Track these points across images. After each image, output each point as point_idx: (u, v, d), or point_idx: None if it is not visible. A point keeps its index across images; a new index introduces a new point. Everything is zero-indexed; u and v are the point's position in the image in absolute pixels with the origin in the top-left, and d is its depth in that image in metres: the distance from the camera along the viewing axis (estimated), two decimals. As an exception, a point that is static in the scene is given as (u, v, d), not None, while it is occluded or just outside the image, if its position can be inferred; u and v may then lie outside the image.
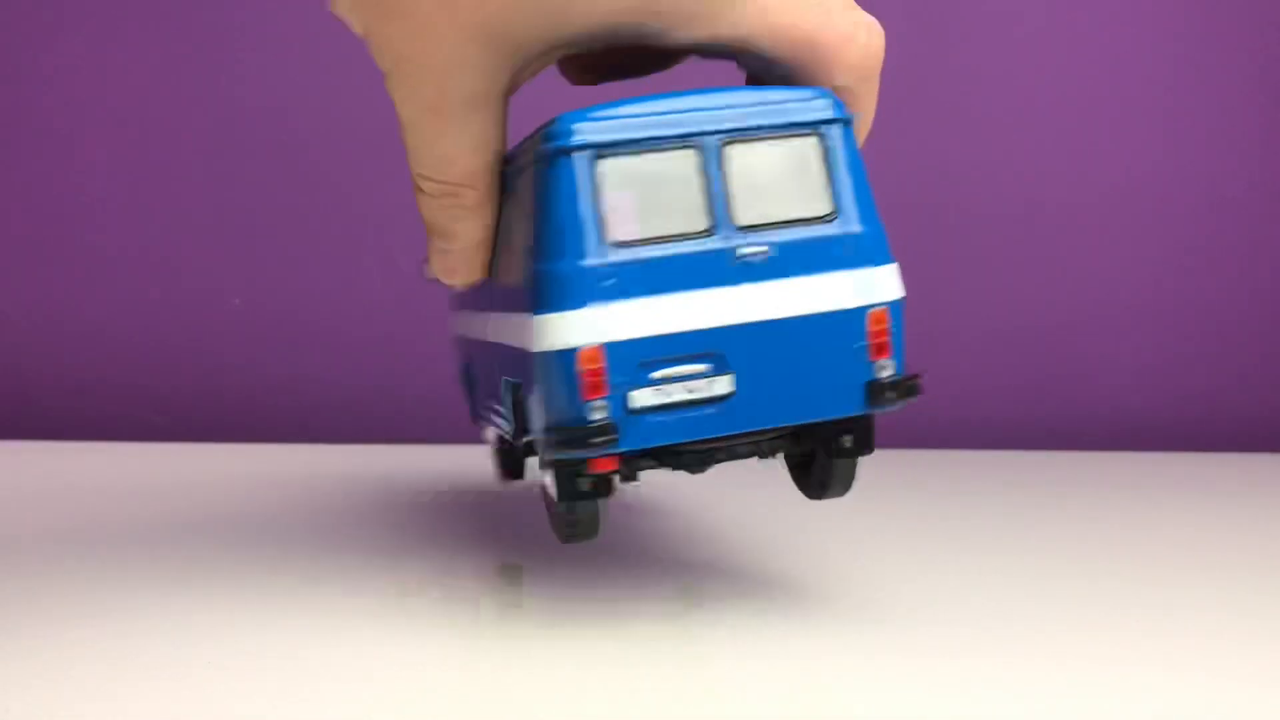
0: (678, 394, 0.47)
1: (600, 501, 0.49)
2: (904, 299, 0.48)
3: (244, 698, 0.36)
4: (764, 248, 0.47)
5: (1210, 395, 1.09)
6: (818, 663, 0.42)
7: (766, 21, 0.48)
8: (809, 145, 0.48)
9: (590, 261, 0.47)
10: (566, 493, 0.48)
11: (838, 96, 0.49)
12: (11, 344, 1.07)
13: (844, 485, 0.51)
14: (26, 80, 1.06)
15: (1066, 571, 0.55)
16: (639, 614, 0.48)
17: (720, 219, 0.48)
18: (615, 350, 0.47)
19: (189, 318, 1.09)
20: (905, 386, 0.48)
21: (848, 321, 0.48)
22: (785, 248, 0.47)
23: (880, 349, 0.48)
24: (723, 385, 0.47)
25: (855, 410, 0.48)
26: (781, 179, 0.48)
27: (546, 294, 0.48)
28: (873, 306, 0.47)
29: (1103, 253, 1.09)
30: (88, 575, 0.50)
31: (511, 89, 0.49)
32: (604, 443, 0.46)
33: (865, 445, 0.50)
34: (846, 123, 0.48)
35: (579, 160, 0.47)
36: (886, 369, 0.48)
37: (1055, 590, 0.52)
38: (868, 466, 0.82)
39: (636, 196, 0.48)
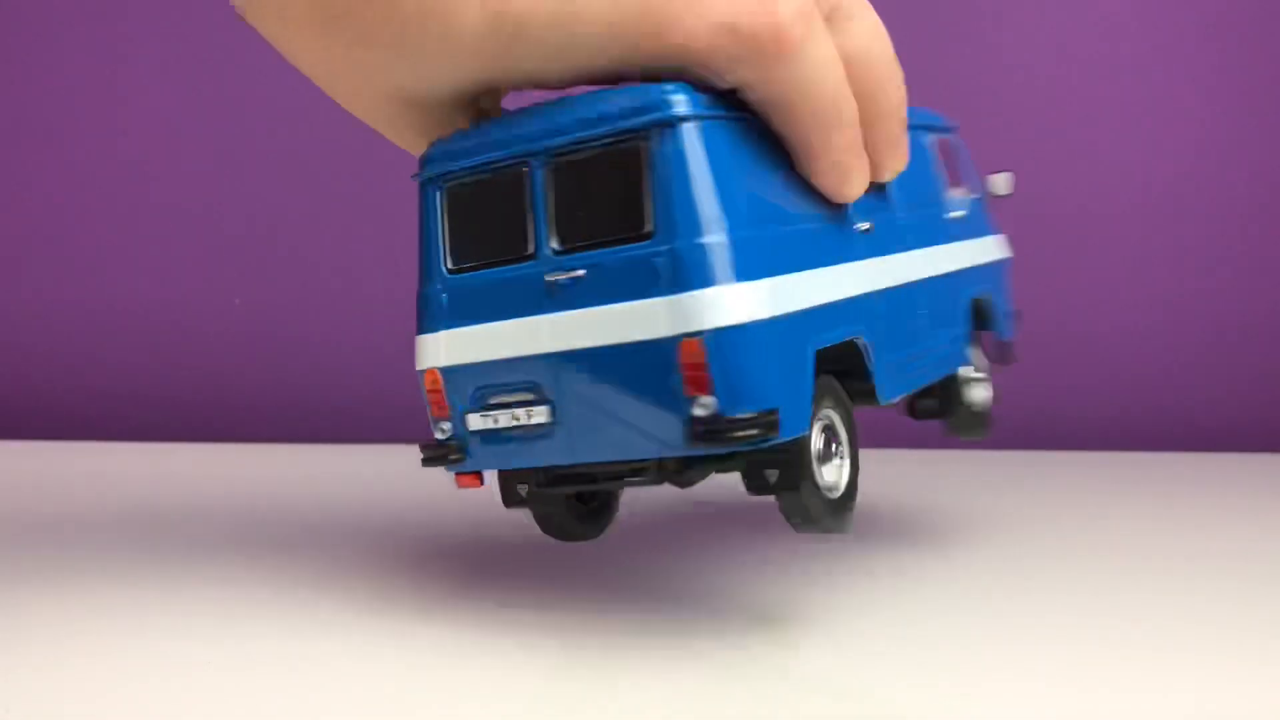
0: (504, 420, 0.46)
1: (591, 504, 0.49)
2: (744, 325, 0.41)
3: (243, 697, 0.36)
4: (577, 272, 0.44)
5: (1244, 396, 1.09)
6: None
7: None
8: (634, 153, 0.43)
9: (434, 288, 0.47)
10: (504, 499, 0.49)
11: (725, 84, 0.43)
12: (11, 344, 1.07)
13: (795, 517, 0.45)
14: (27, 82, 1.06)
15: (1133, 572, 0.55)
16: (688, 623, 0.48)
17: (541, 242, 0.45)
18: (449, 374, 0.47)
19: (189, 318, 1.09)
20: (730, 429, 0.41)
21: (659, 353, 0.42)
22: (598, 271, 0.44)
23: (697, 384, 0.42)
24: (541, 415, 0.45)
25: (676, 452, 0.43)
26: (604, 194, 0.44)
27: (417, 317, 0.48)
28: (685, 336, 0.42)
29: (1136, 254, 1.09)
30: (87, 575, 0.50)
31: (479, 99, 0.47)
32: (451, 461, 0.47)
33: (789, 482, 0.45)
34: (687, 120, 0.42)
35: (432, 190, 0.47)
36: (705, 407, 0.41)
37: (1125, 592, 0.52)
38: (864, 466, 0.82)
39: (474, 222, 0.47)
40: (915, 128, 0.56)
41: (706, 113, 0.42)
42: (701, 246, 0.42)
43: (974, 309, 0.61)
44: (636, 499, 0.73)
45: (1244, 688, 0.39)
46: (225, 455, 0.87)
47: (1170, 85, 1.08)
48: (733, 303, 0.42)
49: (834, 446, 0.46)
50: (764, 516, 0.66)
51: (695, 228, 0.42)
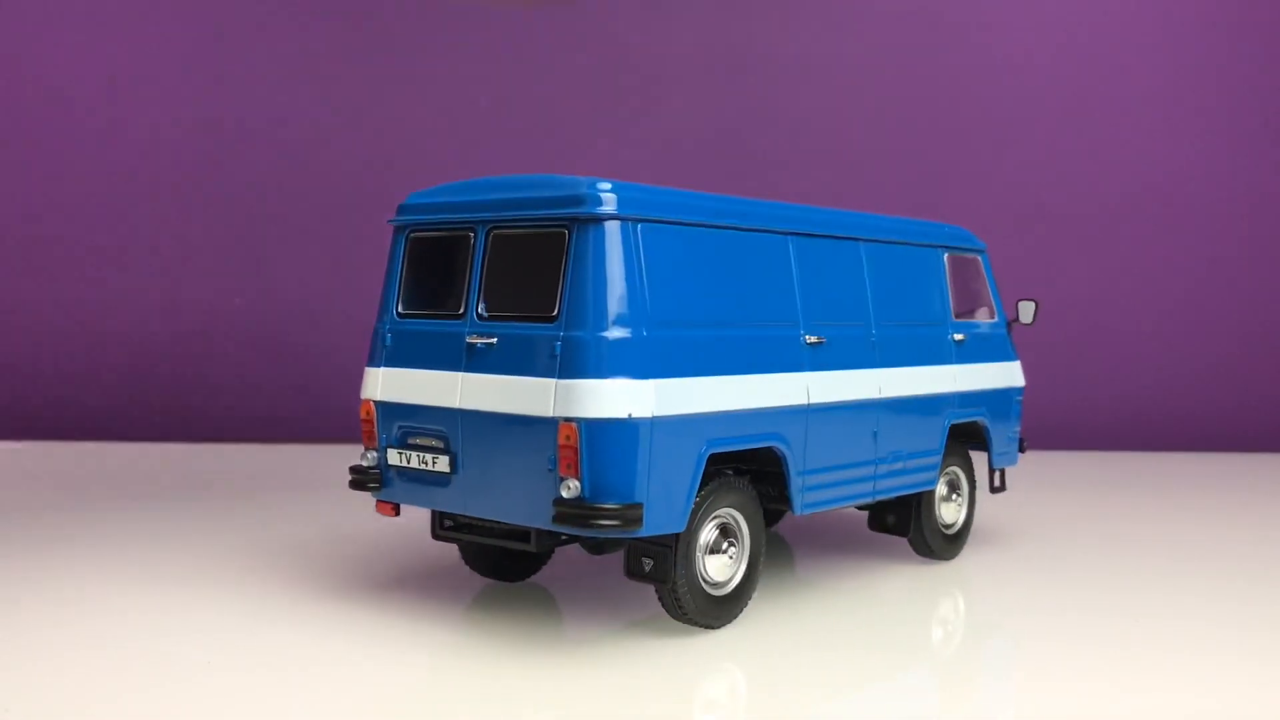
0: (415, 461, 0.49)
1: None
2: (621, 420, 0.43)
3: (243, 697, 0.36)
4: (491, 339, 0.47)
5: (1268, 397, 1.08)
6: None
7: None
8: (558, 239, 0.46)
9: (384, 326, 0.50)
10: (432, 531, 0.51)
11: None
12: (11, 344, 1.07)
13: (666, 607, 0.47)
14: (28, 82, 1.06)
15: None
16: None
17: (471, 304, 0.48)
18: (381, 408, 0.50)
19: (191, 318, 1.09)
20: (592, 515, 0.43)
21: (542, 430, 0.45)
22: (508, 342, 0.46)
23: (568, 466, 0.44)
24: (443, 464, 0.48)
25: (543, 525, 0.45)
26: (528, 272, 0.46)
27: (369, 350, 0.52)
28: (563, 420, 0.44)
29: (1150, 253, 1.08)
30: (87, 574, 0.50)
31: None
32: (370, 487, 0.50)
33: (659, 575, 0.46)
34: (610, 219, 0.44)
35: (399, 237, 0.50)
36: (570, 490, 0.44)
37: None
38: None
39: (426, 274, 0.49)
40: (930, 245, 0.59)
41: (635, 214, 0.45)
42: (595, 339, 0.44)
43: (963, 432, 0.61)
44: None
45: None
46: (228, 455, 0.86)
47: (1185, 89, 1.07)
48: (615, 396, 0.44)
49: (728, 544, 0.48)
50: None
51: (594, 320, 0.44)
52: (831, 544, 0.61)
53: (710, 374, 0.45)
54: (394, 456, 0.49)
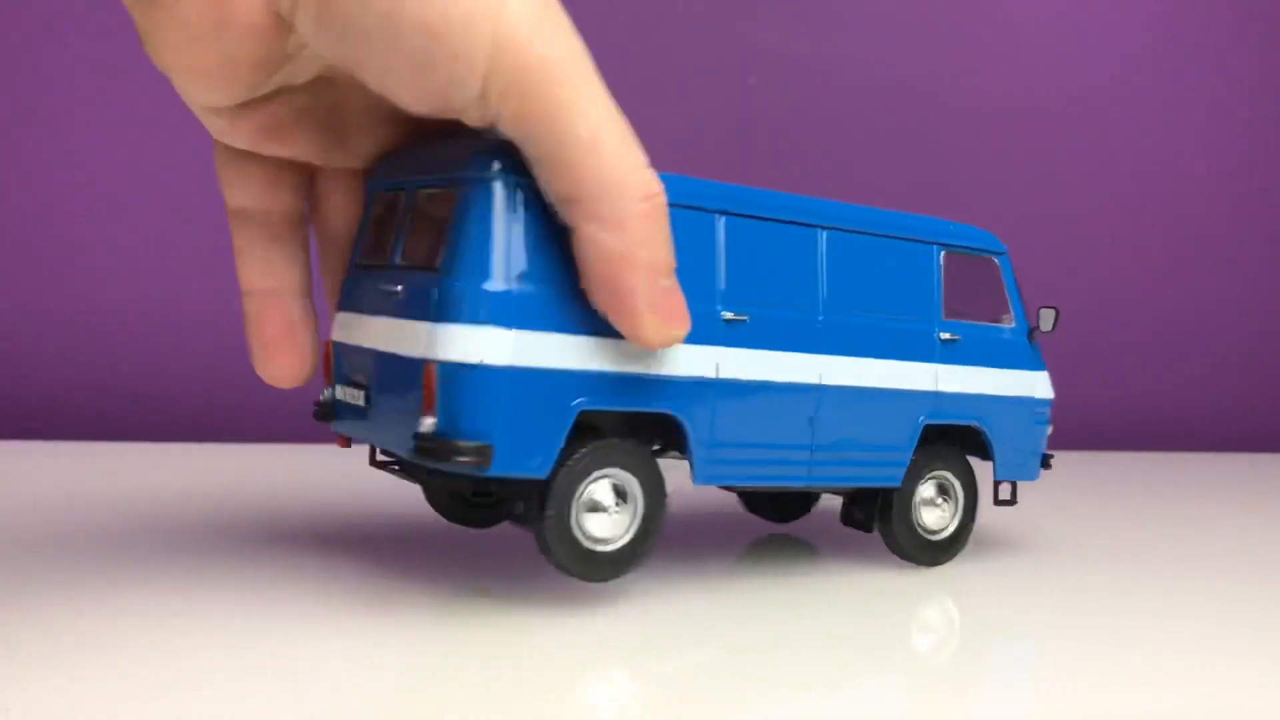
0: (348, 397, 0.54)
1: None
2: (476, 364, 0.46)
3: (242, 696, 0.36)
4: (398, 287, 0.50)
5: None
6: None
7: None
8: (449, 199, 0.49)
9: (349, 275, 0.54)
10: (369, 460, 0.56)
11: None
12: (13, 344, 1.07)
13: (540, 549, 0.49)
14: (27, 81, 1.06)
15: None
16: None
17: (394, 257, 0.51)
18: (336, 348, 0.55)
19: (191, 317, 1.09)
20: (443, 450, 0.46)
21: (414, 370, 0.48)
22: (407, 290, 0.49)
23: (428, 404, 0.47)
24: (359, 399, 0.53)
25: (409, 457, 0.48)
26: (432, 227, 0.50)
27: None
28: (426, 360, 0.47)
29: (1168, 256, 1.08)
30: (87, 574, 0.50)
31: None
32: (322, 418, 0.55)
33: (528, 518, 0.49)
34: (495, 179, 0.46)
35: (367, 197, 0.54)
36: (426, 424, 0.46)
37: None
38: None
39: (378, 230, 0.53)
40: (920, 241, 0.58)
41: (522, 176, 0.46)
42: (463, 288, 0.47)
43: (958, 437, 0.60)
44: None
45: None
46: (229, 455, 0.87)
47: (1196, 90, 1.08)
48: (471, 342, 0.47)
49: (616, 503, 0.49)
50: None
51: (465, 271, 0.47)
52: (849, 544, 0.62)
53: (590, 334, 0.47)
54: (339, 391, 0.54)
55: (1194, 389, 1.11)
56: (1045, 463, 0.62)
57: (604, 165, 0.42)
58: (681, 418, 0.50)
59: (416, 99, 0.43)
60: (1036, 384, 0.62)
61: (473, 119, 0.43)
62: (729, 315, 0.51)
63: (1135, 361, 1.09)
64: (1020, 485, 0.67)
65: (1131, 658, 0.42)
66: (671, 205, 0.46)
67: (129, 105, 1.05)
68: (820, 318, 0.54)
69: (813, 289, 0.54)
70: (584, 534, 0.49)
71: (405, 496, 0.70)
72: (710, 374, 0.50)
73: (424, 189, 0.50)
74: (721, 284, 0.51)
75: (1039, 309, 0.61)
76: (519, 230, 0.47)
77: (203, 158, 1.07)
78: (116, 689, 0.36)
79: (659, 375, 0.49)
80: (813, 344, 0.54)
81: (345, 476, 0.79)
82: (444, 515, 0.58)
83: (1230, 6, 1.07)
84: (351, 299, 0.54)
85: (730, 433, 0.51)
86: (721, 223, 0.51)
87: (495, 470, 0.46)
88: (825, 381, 0.54)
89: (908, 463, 0.57)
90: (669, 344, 0.46)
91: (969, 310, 0.60)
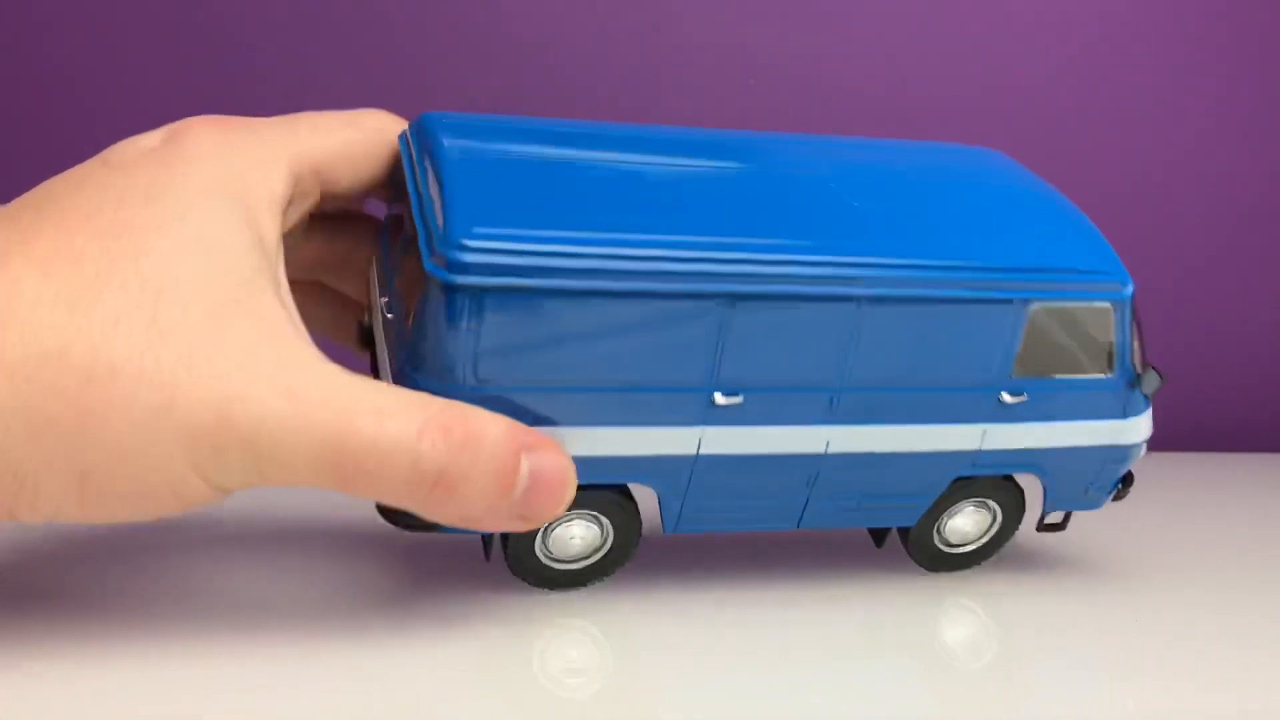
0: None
1: None
2: None
3: (241, 697, 0.36)
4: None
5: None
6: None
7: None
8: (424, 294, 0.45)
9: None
10: None
11: None
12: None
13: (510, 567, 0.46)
14: (27, 78, 1.06)
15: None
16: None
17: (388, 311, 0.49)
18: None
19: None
20: (393, 515, 0.42)
21: None
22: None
23: None
24: None
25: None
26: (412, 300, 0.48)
27: None
28: None
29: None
30: (87, 574, 0.51)
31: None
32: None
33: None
34: (452, 290, 0.39)
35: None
36: None
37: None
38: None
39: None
40: (1001, 300, 0.42)
41: (485, 283, 0.38)
42: (425, 386, 0.40)
43: (993, 483, 0.49)
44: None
45: None
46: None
47: (1192, 85, 1.08)
48: None
49: (584, 533, 0.45)
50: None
51: (425, 368, 0.40)
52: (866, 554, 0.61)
53: (549, 426, 0.41)
54: None
55: (1199, 389, 1.10)
56: (1117, 494, 0.50)
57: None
58: (652, 488, 0.44)
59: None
60: (1124, 431, 0.47)
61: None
62: (722, 400, 0.42)
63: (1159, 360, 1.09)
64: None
65: (1180, 667, 0.42)
66: (665, 296, 0.38)
67: (129, 107, 1.06)
68: (836, 394, 0.43)
69: (833, 366, 0.42)
70: (548, 555, 0.46)
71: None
72: (689, 451, 0.43)
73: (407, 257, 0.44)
74: (719, 369, 0.41)
75: (1145, 368, 0.46)
76: (479, 334, 0.39)
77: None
78: (118, 690, 0.37)
79: (626, 456, 0.42)
80: (822, 417, 0.43)
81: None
82: (392, 522, 0.52)
83: (1232, 6, 1.07)
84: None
85: (708, 496, 0.45)
86: (732, 309, 0.40)
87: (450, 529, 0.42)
88: (832, 450, 0.44)
89: (926, 508, 0.47)
90: (559, 513, 0.40)
91: (1053, 363, 0.45)
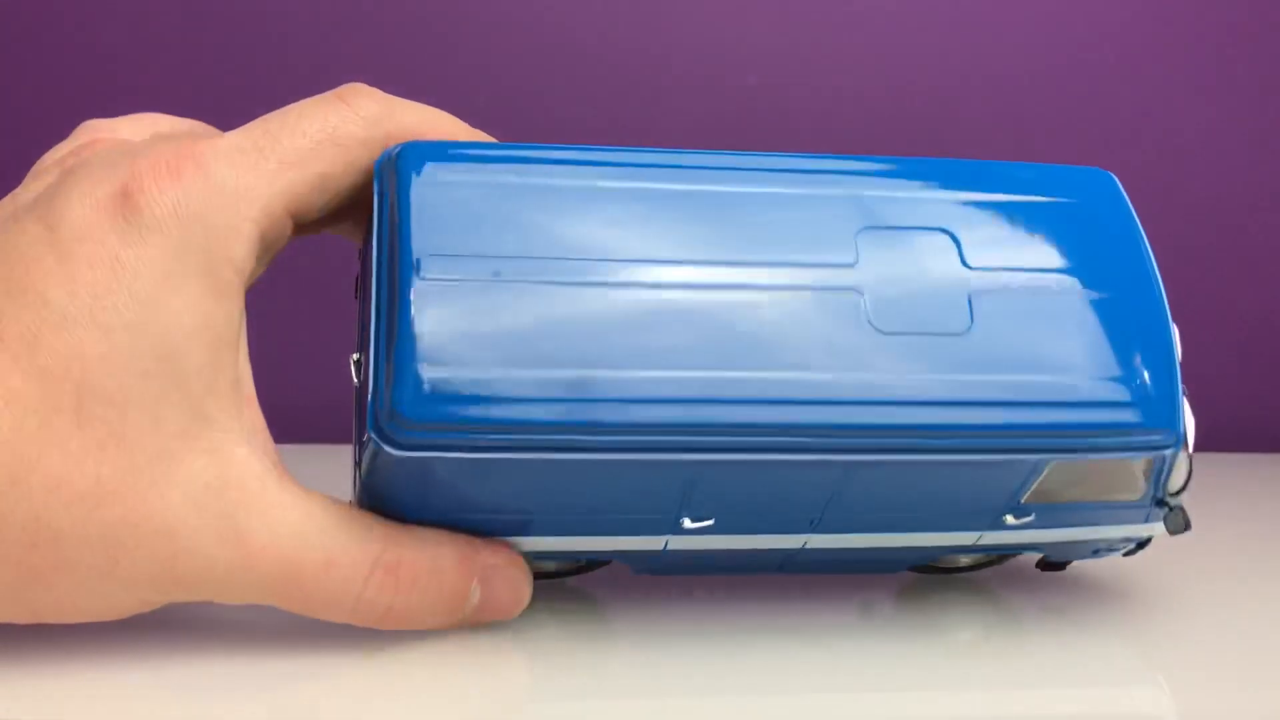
0: None
1: None
2: None
3: (243, 696, 0.36)
4: None
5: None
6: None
7: None
8: None
9: None
10: None
11: None
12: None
13: None
14: (28, 75, 1.06)
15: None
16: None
17: None
18: None
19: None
20: None
21: None
22: None
23: None
24: None
25: None
26: None
27: None
28: None
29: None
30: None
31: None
32: None
33: None
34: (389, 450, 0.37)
35: None
36: None
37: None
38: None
39: None
40: (1018, 453, 0.36)
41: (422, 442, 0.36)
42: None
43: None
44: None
45: None
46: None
47: (1197, 79, 1.08)
48: None
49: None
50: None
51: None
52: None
53: (519, 535, 0.40)
54: None
55: (1203, 388, 1.10)
56: (1133, 551, 0.46)
57: (331, 619, 0.37)
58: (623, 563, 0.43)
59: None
60: (1143, 530, 0.43)
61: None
62: (691, 525, 0.39)
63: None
64: None
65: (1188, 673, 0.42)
66: (633, 452, 0.36)
67: (126, 106, 1.06)
68: (818, 518, 0.39)
69: (813, 508, 0.39)
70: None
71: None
72: (657, 549, 0.41)
73: None
74: (688, 507, 0.39)
75: (1175, 505, 0.40)
76: (425, 488, 0.38)
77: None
78: (119, 690, 0.37)
79: (591, 552, 0.42)
80: (800, 530, 0.40)
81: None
82: None
83: (1235, 5, 1.07)
84: None
85: (679, 569, 0.44)
86: (703, 471, 0.37)
87: None
88: (810, 546, 0.41)
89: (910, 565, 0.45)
90: (513, 616, 0.40)
91: (1071, 494, 0.39)
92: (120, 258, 0.32)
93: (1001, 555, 0.48)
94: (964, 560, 0.49)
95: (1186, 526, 0.39)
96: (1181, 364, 1.09)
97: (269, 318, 1.03)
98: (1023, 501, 0.39)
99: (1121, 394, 0.35)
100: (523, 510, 0.39)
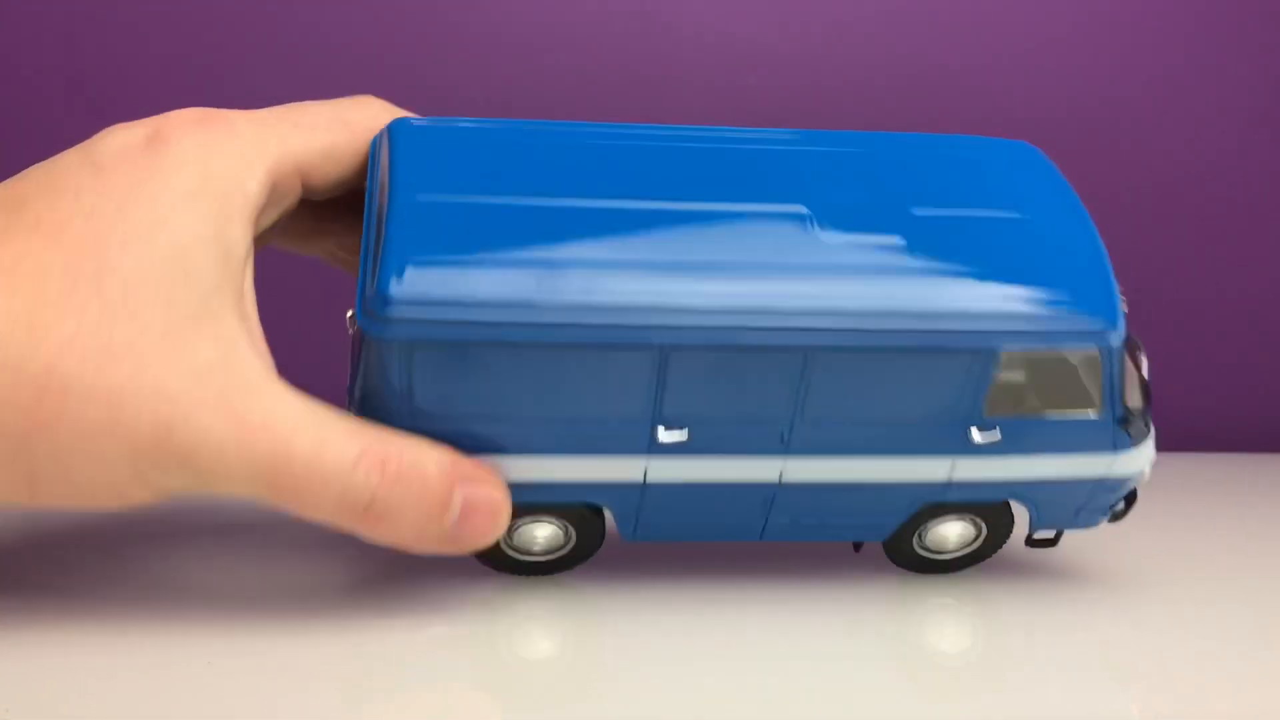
0: None
1: None
2: None
3: (244, 695, 0.36)
4: None
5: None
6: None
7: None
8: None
9: None
10: None
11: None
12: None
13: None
14: (25, 74, 1.06)
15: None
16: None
17: None
18: None
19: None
20: None
21: None
22: None
23: None
24: None
25: None
26: None
27: None
28: None
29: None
30: (88, 573, 0.51)
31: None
32: None
33: None
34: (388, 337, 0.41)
35: None
36: None
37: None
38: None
39: None
40: (963, 349, 0.40)
41: (413, 337, 0.40)
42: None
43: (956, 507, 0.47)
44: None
45: None
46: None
47: (1197, 81, 1.08)
48: None
49: (550, 534, 0.46)
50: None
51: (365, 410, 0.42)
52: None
53: (496, 453, 0.42)
54: None
55: (1201, 388, 1.10)
56: (1117, 514, 0.48)
57: (314, 516, 0.38)
58: (602, 506, 0.45)
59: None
60: (1115, 464, 0.45)
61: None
62: (666, 435, 0.42)
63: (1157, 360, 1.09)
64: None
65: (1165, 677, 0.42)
66: (600, 347, 0.39)
67: (125, 107, 1.06)
68: (787, 430, 0.42)
69: (781, 408, 0.41)
70: (512, 548, 0.47)
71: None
72: (637, 479, 0.43)
73: None
74: (661, 408, 0.41)
75: (1138, 413, 0.44)
76: (412, 381, 0.40)
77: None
78: (119, 689, 0.37)
79: (573, 482, 0.43)
80: (773, 450, 0.42)
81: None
82: None
83: (1235, 3, 1.07)
84: None
85: (663, 514, 0.45)
86: (668, 357, 0.40)
87: None
88: (787, 480, 0.43)
89: (895, 527, 0.46)
90: (490, 542, 0.41)
91: (1030, 403, 0.42)
92: (148, 175, 0.37)
93: (992, 540, 0.49)
94: (953, 546, 0.49)
95: (1147, 431, 0.43)
96: (1178, 365, 1.09)
97: (269, 321, 1.03)
98: (984, 415, 0.42)
99: (1059, 289, 0.40)
100: (502, 415, 0.41)
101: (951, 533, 0.48)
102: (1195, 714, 0.37)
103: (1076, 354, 0.41)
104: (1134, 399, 0.43)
